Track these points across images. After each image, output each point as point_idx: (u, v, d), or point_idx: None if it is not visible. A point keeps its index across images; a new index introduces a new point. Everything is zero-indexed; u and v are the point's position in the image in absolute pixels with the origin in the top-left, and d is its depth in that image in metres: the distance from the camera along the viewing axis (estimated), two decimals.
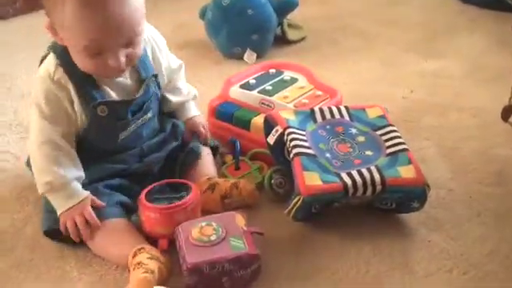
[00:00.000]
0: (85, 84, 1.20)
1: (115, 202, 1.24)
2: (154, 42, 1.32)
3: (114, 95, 1.24)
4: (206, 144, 1.42)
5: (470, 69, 1.96)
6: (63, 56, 1.19)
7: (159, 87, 1.32)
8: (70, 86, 1.19)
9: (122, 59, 1.16)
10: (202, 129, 1.42)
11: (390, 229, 1.28)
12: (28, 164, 1.37)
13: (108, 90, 1.23)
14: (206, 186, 1.31)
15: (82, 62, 1.17)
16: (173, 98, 1.39)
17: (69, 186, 1.20)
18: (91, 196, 1.22)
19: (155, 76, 1.30)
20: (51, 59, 1.20)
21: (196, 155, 1.38)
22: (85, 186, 1.23)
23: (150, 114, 1.30)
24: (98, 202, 1.22)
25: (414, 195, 1.24)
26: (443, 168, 1.47)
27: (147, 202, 1.21)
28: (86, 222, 1.19)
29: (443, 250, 1.22)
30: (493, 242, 1.24)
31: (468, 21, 2.31)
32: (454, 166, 1.47)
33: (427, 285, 1.15)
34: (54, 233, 1.23)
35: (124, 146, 1.29)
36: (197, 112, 1.45)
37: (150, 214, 1.20)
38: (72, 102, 1.20)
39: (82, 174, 1.23)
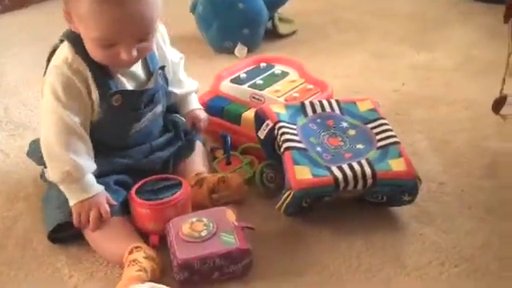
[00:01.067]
0: (101, 73, 1.19)
1: (118, 199, 1.23)
2: (159, 34, 1.31)
3: (127, 85, 1.24)
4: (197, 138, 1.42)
5: (462, 61, 1.95)
6: (79, 44, 1.18)
7: (167, 82, 1.33)
8: (88, 74, 1.18)
9: (134, 53, 1.16)
10: (201, 123, 1.42)
11: (382, 223, 1.28)
12: (30, 154, 1.37)
13: (122, 79, 1.23)
14: (193, 182, 1.30)
15: (93, 51, 1.16)
16: (177, 91, 1.39)
17: (85, 179, 1.19)
18: (105, 193, 1.21)
19: (162, 68, 1.30)
20: (67, 48, 1.19)
21: (191, 149, 1.38)
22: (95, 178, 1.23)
23: (160, 108, 1.30)
24: (111, 200, 1.21)
25: (404, 188, 1.24)
26: (434, 161, 1.47)
27: (138, 197, 1.21)
28: (100, 216, 1.19)
29: (435, 243, 1.23)
30: (484, 234, 1.24)
31: (460, 13, 2.30)
32: (446, 159, 1.47)
33: (419, 278, 1.15)
34: (66, 226, 1.21)
35: (135, 141, 1.29)
36: (198, 105, 1.45)
37: (140, 209, 1.20)
38: (89, 91, 1.19)
39: (95, 165, 1.22)
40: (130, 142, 1.29)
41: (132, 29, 1.13)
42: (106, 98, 1.20)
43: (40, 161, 1.31)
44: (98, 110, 1.21)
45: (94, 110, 1.21)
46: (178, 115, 1.41)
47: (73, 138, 1.19)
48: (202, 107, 1.46)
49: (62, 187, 1.21)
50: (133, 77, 1.25)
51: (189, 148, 1.38)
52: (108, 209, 1.19)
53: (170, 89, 1.36)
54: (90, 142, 1.22)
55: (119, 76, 1.23)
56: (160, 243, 1.19)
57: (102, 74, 1.20)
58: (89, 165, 1.20)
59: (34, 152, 1.35)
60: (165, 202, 1.20)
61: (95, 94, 1.20)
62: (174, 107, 1.42)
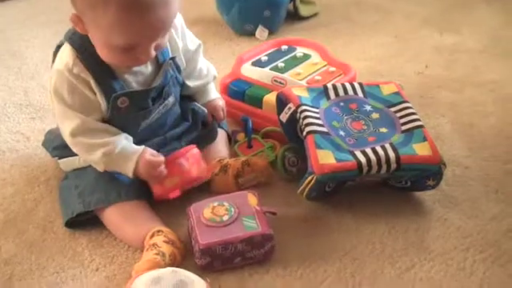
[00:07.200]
0: (104, 76, 1.17)
1: (136, 182, 1.22)
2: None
3: (134, 84, 1.21)
4: (220, 125, 1.40)
5: (488, 43, 1.92)
6: (81, 48, 1.16)
7: (179, 71, 1.29)
8: (90, 79, 1.16)
9: (153, 52, 1.14)
10: (221, 112, 1.39)
11: (405, 207, 1.26)
12: (44, 144, 1.38)
13: (128, 79, 1.20)
14: (217, 169, 1.29)
15: (109, 56, 1.14)
16: (191, 83, 1.35)
17: (122, 148, 1.19)
18: (147, 149, 1.20)
19: (172, 59, 1.26)
20: (68, 51, 1.17)
21: (211, 138, 1.37)
22: None
23: (171, 99, 1.27)
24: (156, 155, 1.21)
25: (429, 173, 1.21)
26: (459, 145, 1.44)
27: None
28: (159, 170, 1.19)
29: (459, 228, 1.21)
30: (510, 220, 1.22)
31: None
32: (471, 143, 1.45)
33: (443, 263, 1.13)
34: (83, 215, 1.22)
35: (146, 134, 1.26)
36: (216, 94, 1.42)
37: None
38: (94, 93, 1.18)
39: (124, 134, 1.21)
40: (141, 135, 1.25)
41: (157, 32, 1.11)
42: (111, 100, 1.18)
43: (52, 153, 1.33)
44: (106, 110, 1.19)
45: (102, 111, 1.20)
46: (197, 104, 1.37)
47: (88, 131, 1.18)
48: (219, 96, 1.43)
49: (114, 170, 1.21)
50: (139, 74, 1.22)
51: (209, 137, 1.36)
52: (154, 159, 1.19)
53: (185, 80, 1.33)
54: (111, 126, 1.20)
55: (124, 74, 1.19)
56: (182, 195, 1.21)
57: (106, 76, 1.17)
58: (119, 137, 1.20)
59: (48, 144, 1.36)
60: (174, 154, 1.21)
61: (100, 97, 1.18)
62: (194, 97, 1.40)
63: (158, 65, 1.24)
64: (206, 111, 1.37)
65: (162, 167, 1.19)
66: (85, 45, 1.15)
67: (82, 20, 1.11)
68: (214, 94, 1.42)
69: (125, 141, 1.20)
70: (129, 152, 1.19)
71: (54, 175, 1.36)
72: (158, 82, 1.22)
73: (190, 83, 1.35)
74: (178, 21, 1.29)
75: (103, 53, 1.14)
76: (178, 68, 1.28)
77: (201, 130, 1.36)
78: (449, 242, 1.18)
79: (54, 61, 1.21)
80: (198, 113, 1.35)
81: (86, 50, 1.15)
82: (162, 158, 1.20)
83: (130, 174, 1.19)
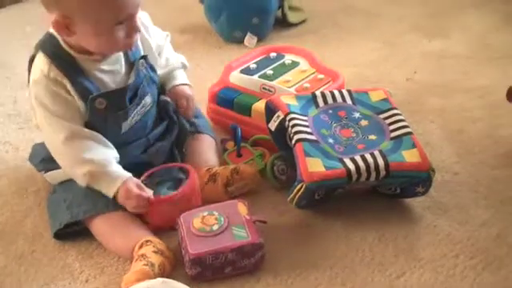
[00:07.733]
0: (79, 77, 1.18)
1: None
2: (140, 22, 1.24)
3: (109, 83, 1.22)
4: (188, 119, 1.37)
5: (476, 48, 1.92)
6: (54, 55, 1.18)
7: (153, 70, 1.29)
8: (66, 82, 1.17)
9: (139, 26, 1.17)
10: (183, 101, 1.36)
11: (395, 214, 1.26)
12: (30, 158, 1.37)
13: (102, 78, 1.21)
14: (206, 178, 1.28)
15: (104, 44, 1.16)
16: (158, 71, 1.34)
17: (110, 169, 1.18)
18: (133, 179, 1.19)
19: (144, 58, 1.26)
20: (42, 58, 1.18)
21: (181, 133, 1.35)
22: None
23: (148, 99, 1.27)
24: (144, 188, 1.19)
25: (418, 180, 1.22)
26: (448, 151, 1.44)
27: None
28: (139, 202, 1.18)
29: (449, 234, 1.21)
30: (500, 225, 1.22)
31: None
32: (460, 149, 1.45)
33: (434, 271, 1.13)
34: (71, 226, 1.21)
35: (130, 137, 1.27)
36: (184, 81, 1.39)
37: None
38: (72, 96, 1.18)
39: (115, 152, 1.21)
40: (125, 139, 1.26)
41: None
42: (88, 103, 1.18)
43: (38, 166, 1.33)
44: (85, 113, 1.20)
45: (82, 114, 1.20)
46: (165, 97, 1.36)
47: (77, 140, 1.18)
48: (188, 83, 1.40)
49: (94, 187, 1.20)
50: (113, 74, 1.22)
51: (181, 133, 1.35)
52: (137, 192, 1.17)
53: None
54: (98, 133, 1.21)
55: (99, 75, 1.20)
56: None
57: (81, 77, 1.18)
58: (107, 154, 1.20)
59: (34, 157, 1.35)
60: (162, 200, 1.20)
61: (78, 100, 1.18)
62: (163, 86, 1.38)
63: (131, 64, 1.25)
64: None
65: (137, 201, 1.18)
66: (57, 52, 1.18)
67: (68, 19, 1.12)
68: (181, 80, 1.39)
69: (113, 163, 1.20)
70: (113, 177, 1.19)
71: (43, 186, 1.35)
72: (131, 81, 1.23)
73: (158, 71, 1.33)
74: (146, 20, 1.31)
75: (98, 43, 1.16)
76: (151, 67, 1.29)
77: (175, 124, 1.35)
78: (439, 248, 1.18)
79: (29, 75, 1.22)
80: (167, 103, 1.34)
81: (58, 56, 1.18)
82: (141, 192, 1.18)
83: (110, 196, 1.19)
